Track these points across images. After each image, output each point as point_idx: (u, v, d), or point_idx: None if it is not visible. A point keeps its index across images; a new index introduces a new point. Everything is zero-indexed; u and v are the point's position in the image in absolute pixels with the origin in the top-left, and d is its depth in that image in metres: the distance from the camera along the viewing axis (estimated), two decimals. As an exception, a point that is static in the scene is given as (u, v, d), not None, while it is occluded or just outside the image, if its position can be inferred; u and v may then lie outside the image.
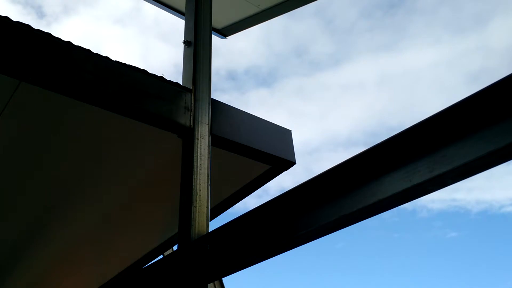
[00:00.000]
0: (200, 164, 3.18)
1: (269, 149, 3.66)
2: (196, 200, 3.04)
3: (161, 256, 5.13)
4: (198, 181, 3.11)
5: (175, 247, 5.22)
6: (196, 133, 3.27)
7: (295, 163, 3.79)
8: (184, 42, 3.73)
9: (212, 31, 3.94)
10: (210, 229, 3.02)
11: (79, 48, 3.06)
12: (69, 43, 3.03)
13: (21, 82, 2.93)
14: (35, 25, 2.93)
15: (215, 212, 4.20)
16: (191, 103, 3.38)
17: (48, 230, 4.70)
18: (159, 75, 3.35)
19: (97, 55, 3.11)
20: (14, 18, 2.88)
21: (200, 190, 3.09)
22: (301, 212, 2.20)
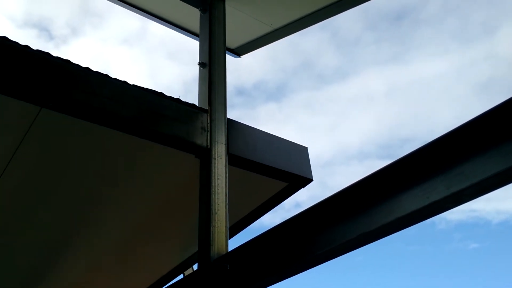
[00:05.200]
0: (218, 184, 3.20)
1: (286, 167, 3.67)
2: (215, 220, 3.07)
3: (181, 276, 5.15)
4: (216, 201, 3.13)
5: (195, 266, 5.24)
6: (213, 153, 3.30)
7: (312, 180, 3.80)
8: (199, 63, 3.79)
9: (226, 51, 3.99)
10: (229, 248, 3.03)
11: (97, 73, 3.13)
12: (87, 69, 3.10)
13: (42, 108, 3.00)
14: (44, 48, 3.01)
15: (234, 230, 4.21)
16: (207, 123, 3.42)
17: (67, 253, 4.75)
18: (175, 97, 3.40)
19: (115, 79, 3.17)
20: (28, 42, 2.96)
21: (218, 210, 3.11)
22: (320, 231, 2.21)
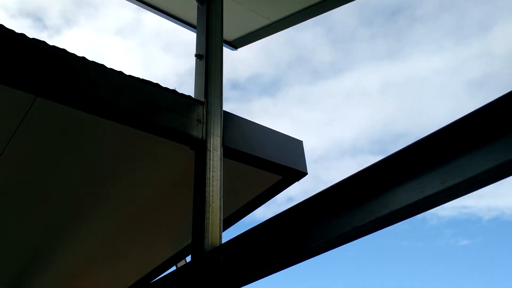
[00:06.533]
0: (212, 176, 3.20)
1: (281, 160, 3.68)
2: (209, 212, 3.07)
3: (174, 267, 5.15)
4: (210, 193, 3.14)
5: (188, 258, 5.24)
6: (209, 145, 3.30)
7: (306, 174, 3.80)
8: (196, 55, 3.78)
9: (223, 44, 3.98)
10: (223, 240, 3.04)
11: (93, 63, 3.11)
12: (83, 58, 3.08)
13: (37, 98, 2.99)
14: (37, 38, 2.98)
15: (227, 223, 4.22)
16: (203, 115, 3.42)
17: (61, 244, 4.74)
18: (171, 88, 3.40)
19: (111, 69, 3.16)
20: (23, 31, 2.94)
21: (213, 202, 3.12)
22: (313, 224, 2.21)
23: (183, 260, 5.26)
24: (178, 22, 4.88)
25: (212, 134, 3.36)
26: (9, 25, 2.92)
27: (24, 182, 3.85)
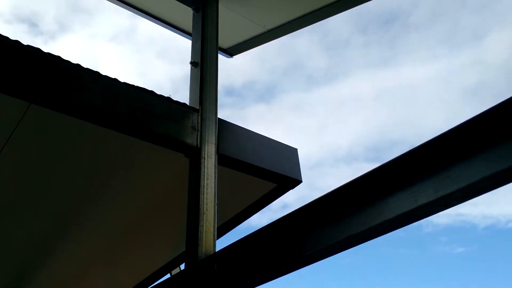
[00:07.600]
0: (207, 184, 3.20)
1: (276, 168, 3.67)
2: (203, 220, 3.06)
3: (168, 275, 5.13)
4: (205, 201, 3.13)
5: (182, 266, 5.22)
6: (203, 152, 3.30)
7: (301, 181, 3.80)
8: (191, 63, 3.78)
9: (218, 51, 3.99)
10: (217, 248, 3.03)
11: (88, 70, 3.10)
12: (78, 65, 3.08)
13: (31, 105, 2.98)
14: (32, 43, 2.98)
15: (222, 230, 4.21)
16: (198, 122, 3.42)
17: (55, 252, 4.72)
18: (165, 95, 3.39)
19: (106, 77, 3.15)
20: (16, 37, 2.94)
21: (207, 210, 3.11)
22: (308, 232, 2.21)
23: (177, 268, 5.24)
24: (173, 29, 4.88)
25: (206, 142, 3.35)
26: (4, 30, 2.91)
27: (19, 189, 3.83)
